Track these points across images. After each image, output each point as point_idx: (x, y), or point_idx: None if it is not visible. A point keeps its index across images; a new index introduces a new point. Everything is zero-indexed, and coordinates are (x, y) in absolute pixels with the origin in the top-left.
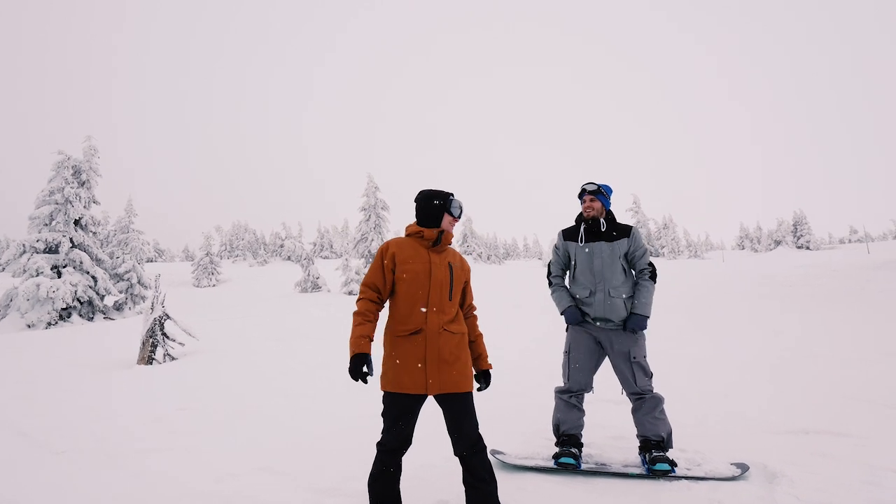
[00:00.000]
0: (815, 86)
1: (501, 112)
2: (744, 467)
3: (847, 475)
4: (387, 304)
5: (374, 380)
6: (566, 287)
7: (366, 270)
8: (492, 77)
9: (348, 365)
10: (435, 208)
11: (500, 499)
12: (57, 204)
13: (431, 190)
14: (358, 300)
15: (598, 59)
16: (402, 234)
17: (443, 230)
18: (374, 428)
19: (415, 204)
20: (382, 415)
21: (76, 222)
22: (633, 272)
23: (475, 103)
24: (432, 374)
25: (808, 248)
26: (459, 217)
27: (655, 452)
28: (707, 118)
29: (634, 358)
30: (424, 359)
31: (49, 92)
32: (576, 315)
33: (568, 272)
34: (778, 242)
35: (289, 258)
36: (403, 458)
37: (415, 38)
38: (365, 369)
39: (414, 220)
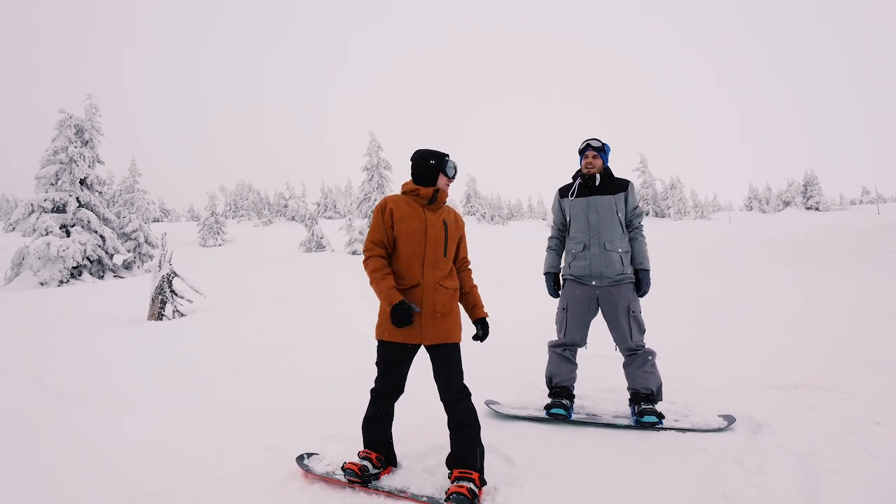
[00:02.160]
0: (835, 46)
1: (514, 85)
2: (730, 419)
3: (828, 426)
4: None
5: (371, 329)
6: (556, 249)
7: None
8: (502, 42)
9: (391, 316)
10: (430, 167)
11: (494, 445)
12: (62, 163)
13: (427, 150)
14: (368, 259)
15: (599, 57)
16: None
17: (438, 189)
18: (373, 378)
19: (410, 162)
20: (376, 363)
21: (82, 182)
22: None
23: (496, 63)
24: (427, 326)
25: (817, 209)
26: (454, 178)
27: (644, 405)
28: (724, 78)
29: (633, 312)
30: (420, 311)
31: (57, 49)
32: (550, 284)
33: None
34: (787, 203)
35: (293, 218)
36: (403, 409)
37: (442, 31)
38: (411, 309)
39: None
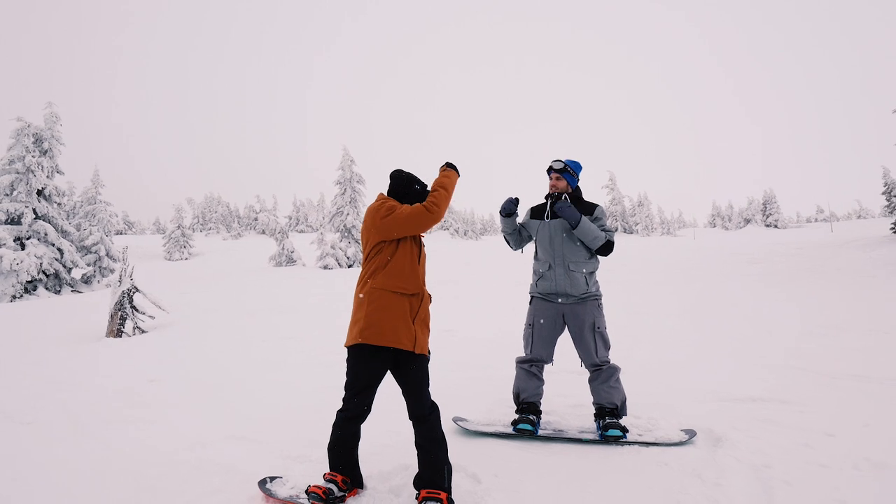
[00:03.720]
0: (793, 71)
1: (489, 99)
2: (691, 433)
3: (785, 439)
4: (373, 262)
5: (339, 346)
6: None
7: (342, 245)
8: (482, 66)
9: (454, 170)
10: (416, 192)
11: (461, 463)
12: (18, 173)
13: (411, 174)
14: (431, 206)
15: (584, 44)
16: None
17: None
18: (340, 398)
19: (391, 180)
20: (347, 386)
21: (39, 192)
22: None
23: (466, 93)
24: (419, 334)
25: (776, 226)
26: None
27: (609, 419)
28: (683, 104)
29: (598, 328)
30: (415, 318)
31: (24, 56)
32: (509, 205)
33: (533, 248)
34: (748, 221)
35: (263, 232)
36: (369, 427)
37: (407, 36)
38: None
39: (383, 192)
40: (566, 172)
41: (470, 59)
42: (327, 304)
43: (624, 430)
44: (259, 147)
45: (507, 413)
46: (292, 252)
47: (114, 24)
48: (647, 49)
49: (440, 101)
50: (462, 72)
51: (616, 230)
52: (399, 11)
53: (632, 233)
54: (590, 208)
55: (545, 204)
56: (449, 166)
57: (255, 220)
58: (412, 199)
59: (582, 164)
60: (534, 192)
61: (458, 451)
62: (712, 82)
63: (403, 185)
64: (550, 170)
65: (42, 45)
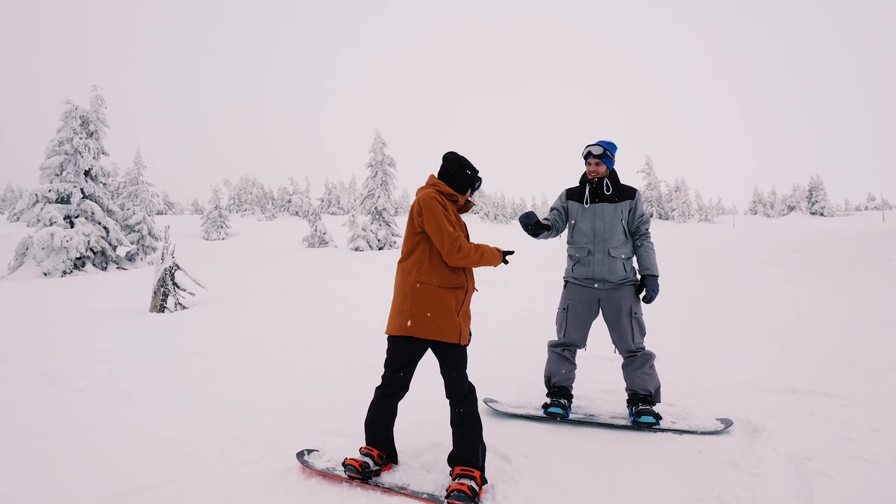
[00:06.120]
0: (842, 51)
1: (512, 87)
2: (727, 422)
3: (826, 431)
4: (417, 252)
5: (381, 327)
6: (550, 221)
7: (373, 227)
8: (514, 72)
9: (502, 259)
10: (466, 177)
11: (492, 443)
12: (66, 154)
13: (464, 158)
14: (459, 245)
15: (603, 52)
16: (429, 189)
17: (469, 200)
18: (374, 375)
19: (444, 162)
20: (387, 363)
21: (86, 173)
22: (632, 235)
23: (494, 97)
24: (462, 326)
25: (822, 214)
26: (472, 194)
27: (642, 405)
28: (734, 82)
29: (635, 314)
30: (459, 311)
31: (62, 40)
32: (536, 228)
33: (567, 232)
34: (792, 208)
35: (296, 213)
36: (405, 406)
37: (436, 33)
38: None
39: (434, 174)
40: (605, 157)
41: (502, 64)
42: (359, 285)
43: (657, 416)
44: (279, 127)
45: (537, 396)
46: (324, 233)
47: (130, 6)
48: (656, 49)
49: (466, 100)
50: (493, 77)
51: (651, 216)
52: (425, 11)
53: (667, 219)
54: (629, 192)
55: (583, 187)
56: (503, 254)
57: (289, 201)
58: (461, 183)
59: (616, 144)
60: (565, 177)
61: (489, 431)
62: (745, 73)
63: (455, 168)
64: (589, 155)
65: (53, 26)
